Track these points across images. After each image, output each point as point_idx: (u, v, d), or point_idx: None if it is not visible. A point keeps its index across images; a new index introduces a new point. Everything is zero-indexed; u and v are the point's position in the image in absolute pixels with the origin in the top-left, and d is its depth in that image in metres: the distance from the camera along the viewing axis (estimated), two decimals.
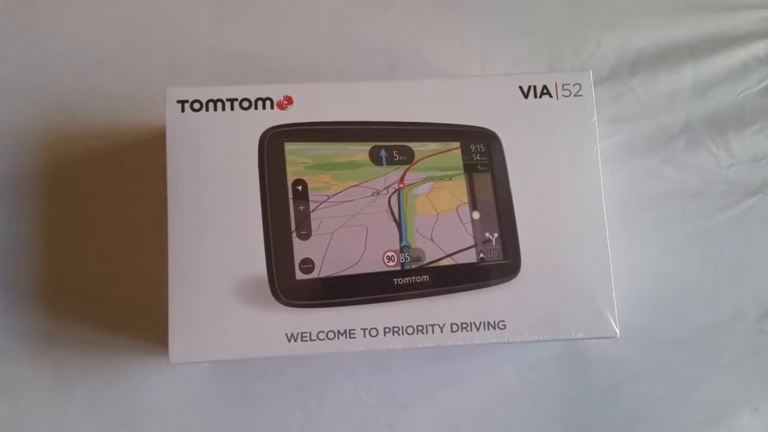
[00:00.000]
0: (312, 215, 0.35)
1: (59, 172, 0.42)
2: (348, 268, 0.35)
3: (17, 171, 0.42)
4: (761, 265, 0.44)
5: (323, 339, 0.34)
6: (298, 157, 0.35)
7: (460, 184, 0.36)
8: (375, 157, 0.36)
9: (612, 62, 0.46)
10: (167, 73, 0.44)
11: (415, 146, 0.36)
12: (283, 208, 0.35)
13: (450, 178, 0.36)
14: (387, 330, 0.34)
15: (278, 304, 0.34)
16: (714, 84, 0.46)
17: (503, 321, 0.35)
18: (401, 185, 0.36)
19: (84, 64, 0.44)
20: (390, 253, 0.35)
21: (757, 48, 0.46)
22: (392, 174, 0.36)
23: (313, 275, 0.34)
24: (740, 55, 0.46)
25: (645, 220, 0.44)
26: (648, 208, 0.44)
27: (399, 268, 0.35)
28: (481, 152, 0.37)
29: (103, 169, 0.43)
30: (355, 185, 0.35)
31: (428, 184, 0.36)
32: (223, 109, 0.35)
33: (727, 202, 0.44)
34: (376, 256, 0.35)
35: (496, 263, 0.36)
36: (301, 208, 0.35)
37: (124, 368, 0.40)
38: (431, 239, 0.36)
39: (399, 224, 0.35)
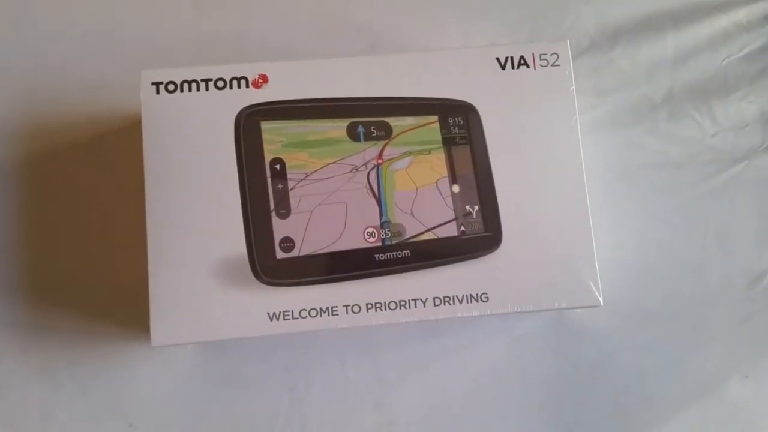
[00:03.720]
0: (291, 193, 0.35)
1: (40, 162, 0.42)
2: (329, 245, 0.35)
3: None
4: (748, 232, 0.43)
5: (305, 317, 0.34)
6: (274, 136, 0.35)
7: (439, 158, 0.36)
8: (352, 134, 0.36)
9: (592, 34, 0.45)
10: (147, 59, 0.44)
11: (392, 121, 0.36)
12: (261, 187, 0.34)
13: (429, 152, 0.36)
14: (369, 306, 0.34)
15: (259, 283, 0.34)
16: (696, 52, 0.45)
17: (486, 293, 0.35)
18: (380, 161, 0.36)
19: (62, 52, 0.44)
20: (370, 229, 0.35)
21: (739, 15, 0.46)
22: (370, 150, 0.36)
23: (294, 254, 0.34)
24: (722, 22, 0.46)
25: (630, 192, 0.44)
26: (633, 179, 0.44)
27: (380, 243, 0.35)
28: (459, 125, 0.37)
29: (83, 157, 0.42)
30: (334, 162, 0.35)
31: (407, 159, 0.36)
32: (198, 89, 0.35)
33: (712, 170, 0.44)
34: (356, 232, 0.35)
35: (478, 236, 0.36)
36: (280, 186, 0.35)
37: (111, 356, 0.40)
38: (411, 214, 0.35)
39: (379, 200, 0.35)
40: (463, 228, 0.36)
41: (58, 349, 0.40)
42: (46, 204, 0.42)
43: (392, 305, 0.34)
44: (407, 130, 0.36)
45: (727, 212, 0.43)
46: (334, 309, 0.34)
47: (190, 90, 0.35)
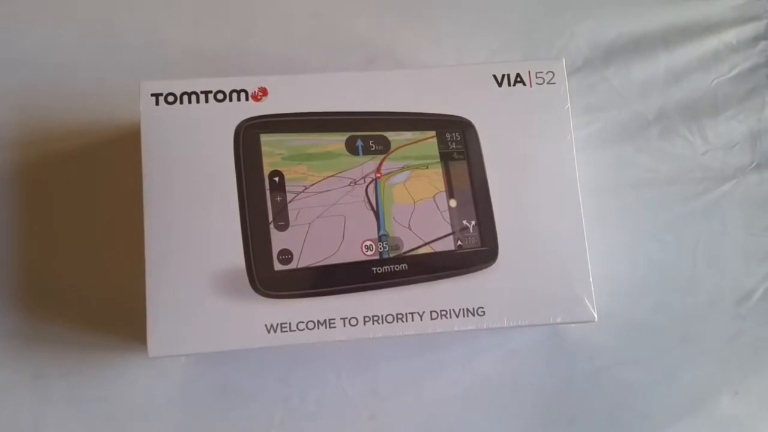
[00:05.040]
0: (289, 206, 0.35)
1: (35, 171, 0.42)
2: (326, 258, 0.35)
3: None
4: (737, 250, 0.44)
5: (303, 329, 0.34)
6: (274, 149, 0.35)
7: (436, 173, 0.37)
8: (351, 147, 0.36)
9: (586, 52, 0.46)
10: (144, 70, 0.44)
11: (391, 136, 0.37)
12: (260, 199, 0.35)
13: (426, 166, 0.37)
14: (367, 319, 0.34)
15: (257, 295, 0.34)
16: (687, 72, 0.46)
17: (482, 307, 0.35)
18: (378, 175, 0.36)
19: (59, 62, 0.44)
20: (368, 243, 0.35)
21: (729, 36, 0.47)
22: (369, 163, 0.36)
23: (292, 266, 0.34)
24: (712, 43, 0.47)
25: (622, 208, 0.44)
26: (625, 196, 0.44)
27: (377, 257, 0.35)
28: (456, 141, 0.37)
29: (79, 167, 0.42)
30: (332, 175, 0.36)
31: (405, 173, 0.36)
32: (198, 101, 0.35)
33: (702, 188, 0.45)
34: (354, 245, 0.35)
35: (474, 250, 0.36)
36: (278, 199, 0.35)
37: (104, 366, 0.40)
38: (409, 228, 0.36)
39: (376, 213, 0.36)
40: (459, 242, 0.36)
41: (51, 359, 0.40)
42: (41, 213, 0.42)
43: (389, 318, 0.35)
44: (405, 145, 0.37)
45: (717, 230, 0.44)
46: (331, 321, 0.34)
47: (189, 102, 0.35)
